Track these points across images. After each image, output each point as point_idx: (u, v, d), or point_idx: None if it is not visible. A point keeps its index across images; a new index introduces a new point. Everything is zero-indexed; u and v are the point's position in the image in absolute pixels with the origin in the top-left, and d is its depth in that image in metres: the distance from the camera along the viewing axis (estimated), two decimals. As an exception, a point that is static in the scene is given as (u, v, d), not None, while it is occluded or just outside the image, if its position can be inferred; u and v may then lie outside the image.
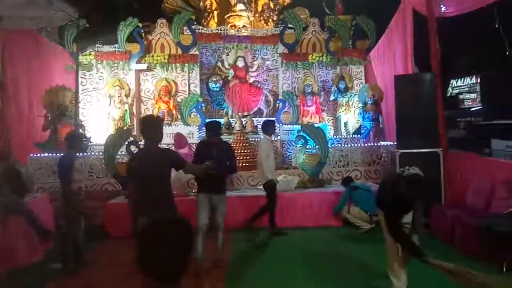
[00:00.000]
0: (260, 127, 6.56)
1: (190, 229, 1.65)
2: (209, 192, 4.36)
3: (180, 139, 7.99)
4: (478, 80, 16.89)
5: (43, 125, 7.19)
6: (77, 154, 4.75)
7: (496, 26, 4.45)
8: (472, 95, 17.26)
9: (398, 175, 3.50)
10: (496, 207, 4.74)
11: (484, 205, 4.97)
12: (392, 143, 7.25)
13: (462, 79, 17.53)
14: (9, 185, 4.83)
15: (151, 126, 3.52)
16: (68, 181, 4.24)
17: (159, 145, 3.59)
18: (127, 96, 8.53)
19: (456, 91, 17.92)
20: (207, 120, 5.88)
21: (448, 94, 17.43)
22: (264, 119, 9.14)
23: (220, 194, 4.43)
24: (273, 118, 8.16)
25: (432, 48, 5.93)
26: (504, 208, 4.50)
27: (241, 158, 7.30)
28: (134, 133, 8.07)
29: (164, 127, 6.74)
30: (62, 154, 4.61)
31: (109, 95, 8.43)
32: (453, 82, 17.87)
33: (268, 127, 6.05)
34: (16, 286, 4.23)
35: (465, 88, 17.66)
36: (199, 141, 6.36)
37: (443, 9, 5.74)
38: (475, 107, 17.06)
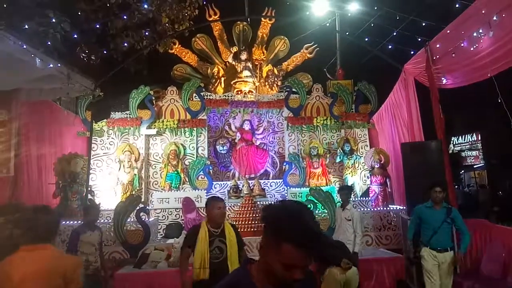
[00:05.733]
0: (345, 193, 5.90)
1: None
2: None
3: (188, 203, 8.01)
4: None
5: (54, 192, 7.26)
6: (92, 224, 4.78)
7: (499, 100, 4.64)
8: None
9: None
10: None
11: (501, 273, 4.90)
12: (401, 207, 7.23)
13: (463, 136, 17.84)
14: None
15: None
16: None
17: None
18: (136, 160, 8.67)
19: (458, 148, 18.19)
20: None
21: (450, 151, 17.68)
22: (270, 181, 9.30)
23: None
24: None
25: (436, 117, 6.11)
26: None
27: (250, 222, 7.26)
28: (143, 199, 8.10)
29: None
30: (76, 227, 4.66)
31: (118, 160, 8.58)
32: (454, 139, 18.19)
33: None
34: None
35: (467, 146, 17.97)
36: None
37: (444, 81, 6.00)
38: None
